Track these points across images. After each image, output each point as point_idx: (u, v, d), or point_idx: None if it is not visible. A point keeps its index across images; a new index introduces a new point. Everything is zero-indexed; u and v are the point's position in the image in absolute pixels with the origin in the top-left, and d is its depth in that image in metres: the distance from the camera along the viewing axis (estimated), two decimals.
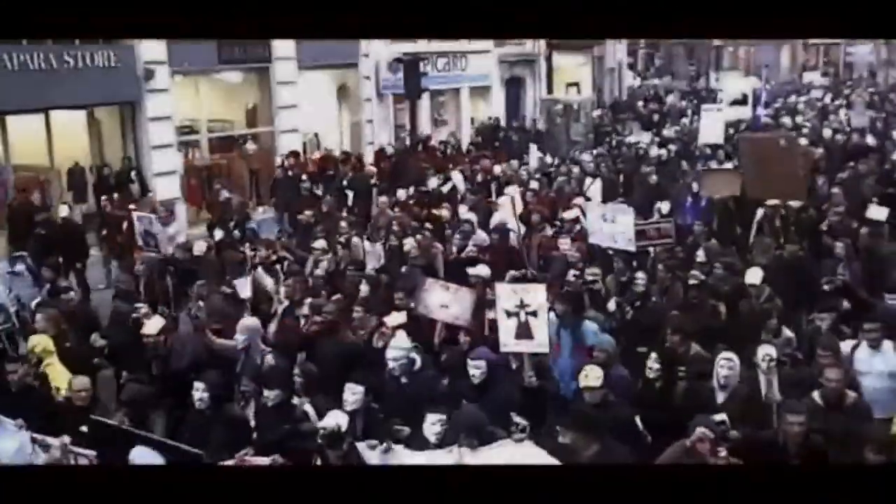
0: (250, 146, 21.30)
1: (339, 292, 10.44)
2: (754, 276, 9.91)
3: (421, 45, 24.84)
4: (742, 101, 23.76)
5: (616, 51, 38.03)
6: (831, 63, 54.85)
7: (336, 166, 20.21)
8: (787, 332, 8.70)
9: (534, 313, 7.82)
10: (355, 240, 13.11)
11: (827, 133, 22.61)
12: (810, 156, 14.46)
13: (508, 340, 7.93)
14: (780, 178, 12.45)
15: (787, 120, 26.58)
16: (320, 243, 12.37)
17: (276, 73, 21.34)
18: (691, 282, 10.05)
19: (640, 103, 35.19)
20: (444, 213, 14.65)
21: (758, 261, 11.21)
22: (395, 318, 8.77)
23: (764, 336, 8.37)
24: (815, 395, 7.03)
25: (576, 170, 19.02)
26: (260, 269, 11.49)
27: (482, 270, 10.33)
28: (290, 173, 18.17)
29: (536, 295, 7.89)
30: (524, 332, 7.85)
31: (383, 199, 15.95)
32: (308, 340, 9.16)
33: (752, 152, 13.74)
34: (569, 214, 13.70)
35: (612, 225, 11.40)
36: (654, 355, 7.75)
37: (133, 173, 18.05)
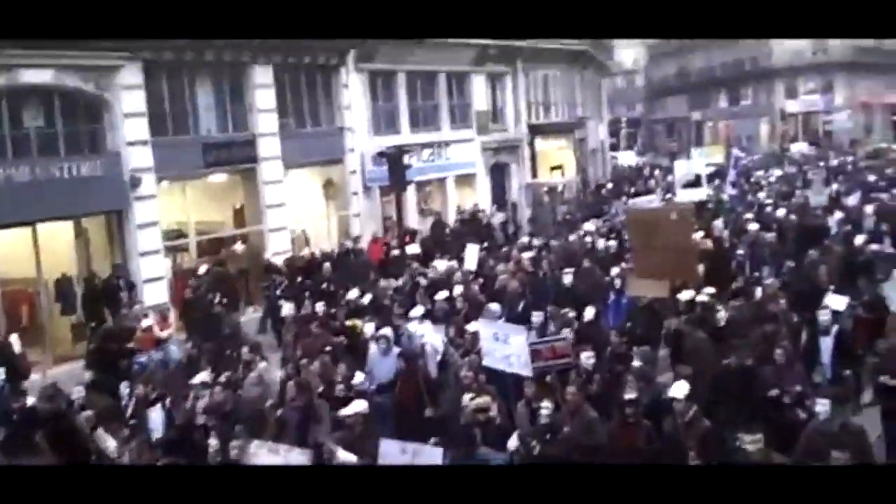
0: (239, 247, 21.37)
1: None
2: (679, 390, 8.64)
3: (405, 137, 25.23)
4: (695, 184, 23.02)
5: (598, 132, 38.66)
6: (810, 132, 55.70)
7: (274, 273, 19.45)
8: None
9: None
10: (262, 365, 11.79)
11: (781, 213, 21.22)
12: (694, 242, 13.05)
13: None
14: (670, 256, 11.26)
15: (760, 196, 26.08)
16: (201, 377, 10.89)
17: (262, 172, 21.54)
18: (627, 396, 8.66)
19: (611, 183, 35.52)
20: (361, 325, 13.13)
21: (685, 372, 9.87)
22: None
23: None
24: None
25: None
26: (100, 430, 9.83)
27: (355, 408, 8.93)
28: (201, 290, 17.19)
29: (431, 458, 6.88)
30: None
31: (288, 308, 14.73)
32: None
33: (641, 225, 12.33)
34: (471, 327, 11.95)
35: (504, 346, 9.82)
36: None
37: (121, 281, 18.01)
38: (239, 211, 22.35)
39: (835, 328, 10.94)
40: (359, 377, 10.54)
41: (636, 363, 10.18)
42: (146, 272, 18.64)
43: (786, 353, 9.98)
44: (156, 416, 10.47)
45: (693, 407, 8.51)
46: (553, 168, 34.97)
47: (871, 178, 28.97)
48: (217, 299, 17.00)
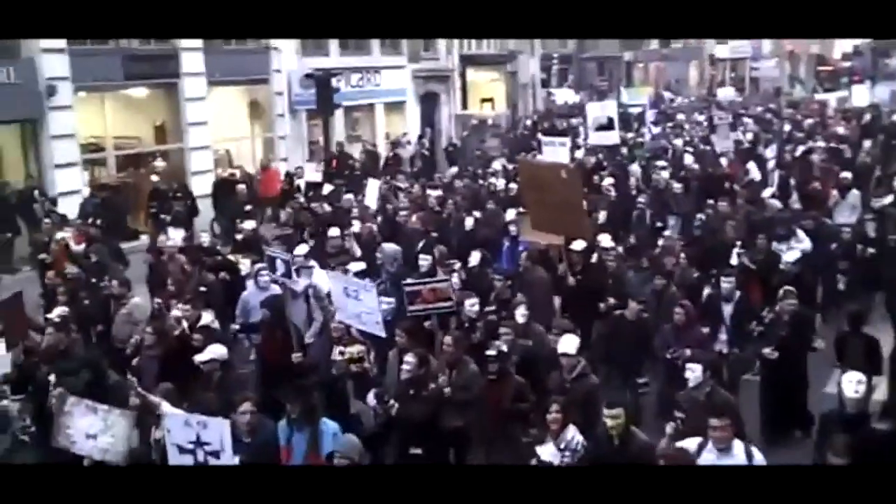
0: (159, 164, 20.89)
1: None
2: (569, 344, 8.09)
3: (334, 61, 24.84)
4: (608, 126, 21.45)
5: (530, 66, 38.53)
6: (738, 79, 56.46)
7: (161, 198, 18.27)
8: (572, 434, 6.89)
9: (215, 454, 6.10)
10: (134, 301, 10.69)
11: (690, 160, 20.11)
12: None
13: None
14: (561, 212, 10.82)
15: (677, 142, 25.02)
16: (55, 312, 9.77)
17: (184, 88, 21.03)
18: (489, 353, 8.05)
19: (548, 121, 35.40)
20: (245, 261, 12.12)
21: (566, 326, 9.19)
22: None
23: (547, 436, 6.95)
24: None
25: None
26: None
27: (211, 353, 8.23)
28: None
29: (219, 431, 6.11)
30: None
31: (176, 234, 13.35)
32: None
33: (532, 179, 11.79)
34: (356, 266, 11.34)
35: (356, 303, 9.03)
36: None
37: (37, 193, 17.52)
38: (159, 127, 21.83)
39: (737, 294, 10.29)
40: (206, 318, 9.53)
41: (520, 313, 9.44)
42: (62, 185, 18.17)
43: (686, 313, 9.48)
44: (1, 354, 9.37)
45: (581, 362, 8.08)
46: (483, 100, 34.87)
47: (787, 128, 28.03)
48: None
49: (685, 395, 7.75)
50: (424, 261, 11.48)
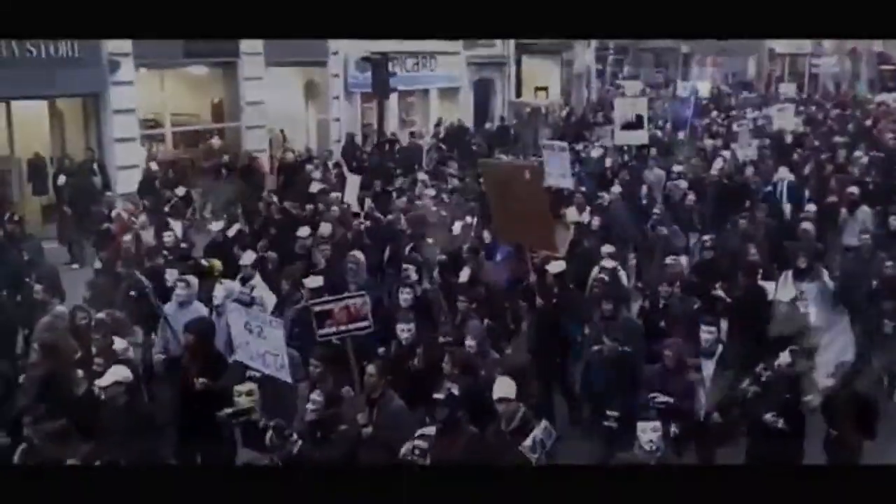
0: (216, 141, 21.16)
1: None
2: (505, 388, 6.70)
3: (390, 45, 24.81)
4: (636, 125, 19.66)
5: (585, 56, 38.21)
6: (797, 74, 55.36)
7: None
8: None
9: None
10: (59, 309, 9.45)
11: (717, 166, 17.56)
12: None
13: None
14: (525, 221, 9.34)
15: (708, 142, 22.93)
16: None
17: (243, 68, 21.22)
18: (437, 396, 6.79)
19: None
20: (218, 265, 10.63)
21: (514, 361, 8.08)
22: None
23: None
24: None
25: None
26: None
27: (113, 376, 7.21)
28: None
29: None
30: None
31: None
32: None
33: (494, 184, 10.09)
34: (312, 282, 9.57)
35: (259, 341, 7.53)
36: None
37: (95, 165, 17.84)
38: (217, 105, 22.10)
39: (720, 348, 8.39)
40: (119, 344, 8.28)
41: (469, 341, 8.15)
42: (121, 159, 18.48)
43: (675, 354, 7.94)
44: None
45: (521, 409, 6.71)
46: (538, 88, 34.62)
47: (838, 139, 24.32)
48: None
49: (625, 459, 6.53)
50: (409, 270, 10.40)
